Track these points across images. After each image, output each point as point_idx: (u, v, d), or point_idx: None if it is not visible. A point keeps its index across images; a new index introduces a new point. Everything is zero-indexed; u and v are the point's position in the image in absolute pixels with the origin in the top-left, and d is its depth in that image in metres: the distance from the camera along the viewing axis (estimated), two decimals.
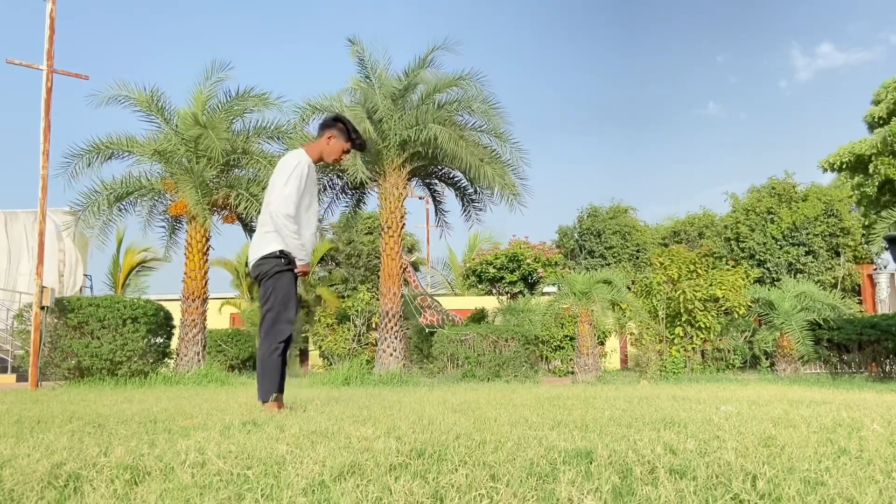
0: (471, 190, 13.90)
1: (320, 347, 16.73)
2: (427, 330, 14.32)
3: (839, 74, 57.16)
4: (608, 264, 19.97)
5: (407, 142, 12.20)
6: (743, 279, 11.95)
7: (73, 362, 9.70)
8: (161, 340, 10.92)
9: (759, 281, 17.17)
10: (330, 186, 14.18)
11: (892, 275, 19.80)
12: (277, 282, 3.93)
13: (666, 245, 19.79)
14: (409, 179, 13.09)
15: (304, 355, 20.36)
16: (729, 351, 12.70)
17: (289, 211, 3.89)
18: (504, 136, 12.46)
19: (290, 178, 3.93)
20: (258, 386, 3.98)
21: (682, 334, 11.59)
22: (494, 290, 19.25)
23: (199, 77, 12.26)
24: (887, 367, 11.27)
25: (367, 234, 22.39)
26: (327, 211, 14.39)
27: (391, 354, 12.03)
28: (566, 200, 57.77)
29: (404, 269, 13.14)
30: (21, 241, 15.37)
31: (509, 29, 61.97)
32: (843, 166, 23.24)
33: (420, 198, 19.72)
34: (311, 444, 2.40)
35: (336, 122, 4.20)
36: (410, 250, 24.40)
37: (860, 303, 19.03)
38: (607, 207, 22.44)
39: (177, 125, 12.14)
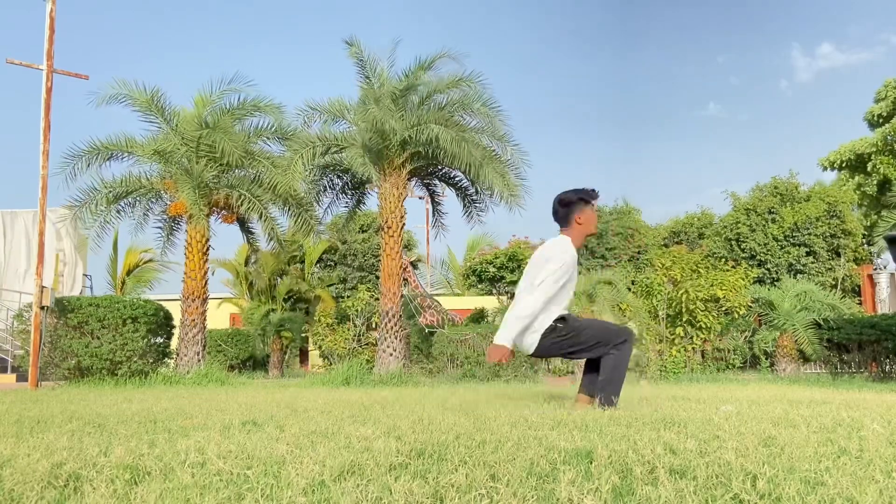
0: (472, 190, 13.89)
1: (320, 347, 16.73)
2: (427, 330, 14.32)
3: (840, 75, 57.14)
4: (609, 265, 19.95)
5: (407, 142, 12.20)
6: (743, 279, 11.96)
7: (73, 362, 9.71)
8: (161, 340, 10.93)
9: (760, 281, 17.16)
10: (330, 187, 14.18)
11: (892, 275, 19.79)
12: (579, 334, 3.95)
13: (666, 246, 19.78)
14: (408, 179, 13.09)
15: (304, 355, 20.37)
16: (729, 351, 12.70)
17: (528, 313, 3.83)
18: (504, 137, 12.48)
19: (546, 279, 3.84)
20: (610, 390, 3.87)
21: (682, 334, 11.59)
22: (494, 290, 19.25)
23: (205, 82, 12.37)
24: (887, 366, 11.28)
25: (360, 232, 22.39)
26: (326, 211, 14.41)
27: (391, 354, 12.03)
28: None
29: (404, 268, 13.15)
30: (21, 240, 15.37)
31: (509, 28, 61.99)
32: (843, 164, 23.24)
33: (420, 198, 19.73)
34: (311, 444, 2.40)
35: (571, 203, 4.05)
36: (410, 250, 24.39)
37: (860, 303, 19.01)
38: (610, 208, 22.37)
39: (176, 125, 12.16)
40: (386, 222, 12.58)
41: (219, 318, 21.13)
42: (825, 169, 24.25)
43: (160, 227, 13.15)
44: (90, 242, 12.36)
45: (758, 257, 18.84)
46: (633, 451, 2.15)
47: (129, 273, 20.58)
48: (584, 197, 4.06)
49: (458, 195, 14.16)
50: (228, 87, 12.00)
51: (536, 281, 3.90)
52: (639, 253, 20.81)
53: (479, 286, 19.45)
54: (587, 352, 3.99)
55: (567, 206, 4.05)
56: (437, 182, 14.45)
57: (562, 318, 3.97)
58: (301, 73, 61.48)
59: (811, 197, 19.37)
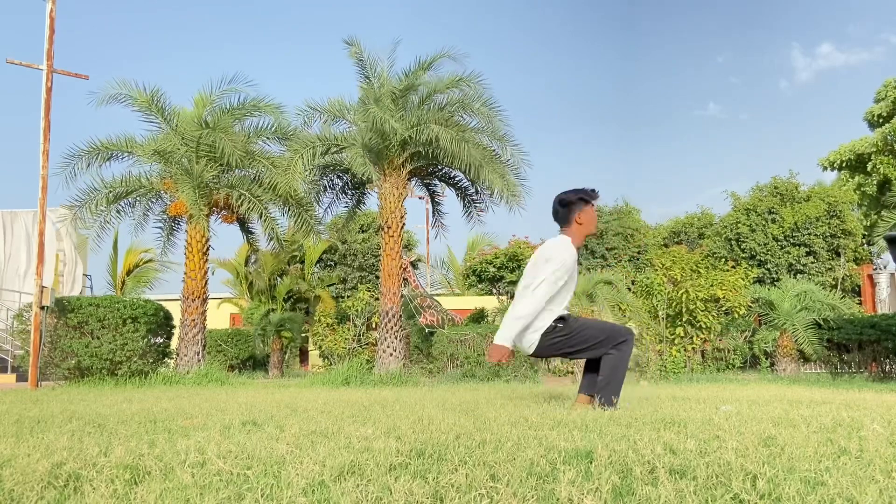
0: (472, 190, 13.89)
1: (320, 347, 16.72)
2: (427, 330, 14.31)
3: (840, 75, 57.12)
4: (609, 265, 19.94)
5: (407, 142, 12.19)
6: (743, 279, 11.95)
7: (73, 362, 9.70)
8: (161, 340, 10.92)
9: (760, 281, 17.15)
10: (330, 187, 14.18)
11: (892, 275, 19.79)
12: (579, 333, 3.96)
13: (666, 246, 19.77)
14: (408, 179, 13.09)
15: (304, 355, 20.36)
16: (729, 351, 12.69)
17: (527, 313, 3.85)
18: (504, 138, 12.48)
19: (546, 279, 3.84)
20: (609, 391, 3.87)
21: (682, 334, 11.59)
22: (494, 290, 19.25)
23: (205, 82, 12.37)
24: (887, 366, 11.27)
25: (360, 232, 22.38)
26: (326, 211, 14.41)
27: (391, 354, 12.02)
28: None
29: (404, 268, 13.14)
30: (21, 240, 15.38)
31: (509, 28, 61.99)
32: (843, 165, 23.25)
33: (420, 198, 19.74)
34: (311, 444, 2.40)
35: (571, 203, 4.04)
36: (410, 250, 24.39)
37: (860, 303, 19.02)
38: (611, 208, 22.31)
39: (177, 125, 12.16)
40: (386, 222, 12.58)
41: (219, 318, 21.13)
42: (825, 168, 24.25)
43: (160, 227, 13.16)
44: (90, 242, 12.37)
45: (758, 257, 18.83)
46: (633, 451, 2.15)
47: (129, 273, 20.58)
48: (585, 197, 4.06)
49: (457, 195, 14.16)
50: (228, 87, 12.02)
51: (536, 280, 3.89)
52: (639, 253, 20.81)
53: (479, 286, 19.46)
54: (586, 351, 3.99)
55: (567, 206, 4.05)
56: (437, 182, 14.44)
57: (561, 318, 3.98)
58: (301, 73, 61.51)
59: (811, 197, 19.36)
